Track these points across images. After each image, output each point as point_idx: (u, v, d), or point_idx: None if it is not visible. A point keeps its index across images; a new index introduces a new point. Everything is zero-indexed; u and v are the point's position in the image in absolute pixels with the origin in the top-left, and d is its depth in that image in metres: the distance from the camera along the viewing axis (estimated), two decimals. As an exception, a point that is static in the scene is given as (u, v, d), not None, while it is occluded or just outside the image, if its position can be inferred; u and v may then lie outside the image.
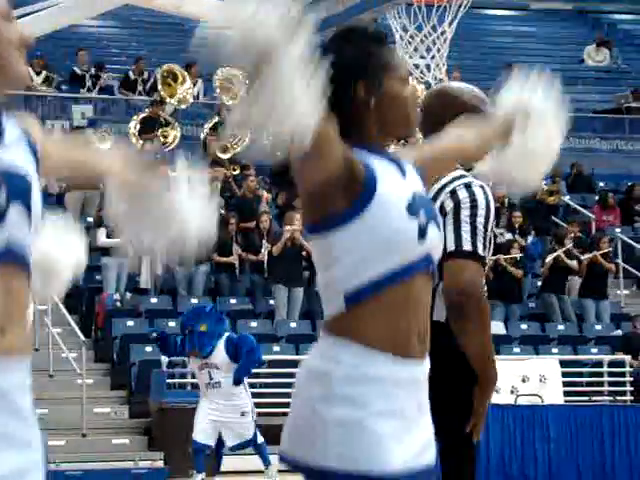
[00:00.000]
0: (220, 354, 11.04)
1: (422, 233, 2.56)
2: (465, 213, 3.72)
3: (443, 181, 3.81)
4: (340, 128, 2.45)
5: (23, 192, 2.15)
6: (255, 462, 11.95)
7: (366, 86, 2.54)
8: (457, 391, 3.73)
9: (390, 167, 2.60)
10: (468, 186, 3.72)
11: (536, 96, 2.97)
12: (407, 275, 2.57)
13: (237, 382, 10.93)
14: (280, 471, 11.14)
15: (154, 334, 11.98)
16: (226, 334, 11.17)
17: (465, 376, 3.75)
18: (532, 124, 2.98)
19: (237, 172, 16.68)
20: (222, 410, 11.31)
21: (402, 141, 2.95)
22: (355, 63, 2.55)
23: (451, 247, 3.68)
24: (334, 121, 2.42)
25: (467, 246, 3.67)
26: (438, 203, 3.79)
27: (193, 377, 13.08)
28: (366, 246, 2.55)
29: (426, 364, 2.64)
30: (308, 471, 2.63)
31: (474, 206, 3.71)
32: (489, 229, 3.73)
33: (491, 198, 3.79)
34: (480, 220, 3.70)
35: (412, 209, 2.57)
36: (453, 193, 3.71)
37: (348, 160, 2.46)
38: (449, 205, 3.72)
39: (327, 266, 2.60)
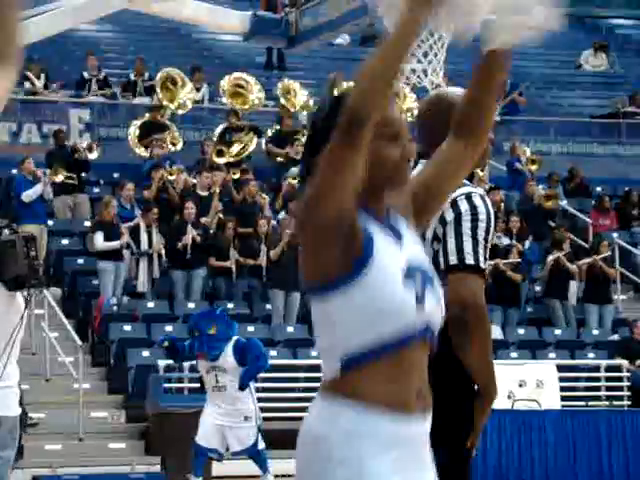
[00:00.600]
0: (228, 358, 10.94)
1: (420, 300, 2.55)
2: (467, 225, 3.71)
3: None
4: None
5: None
6: (250, 467, 11.78)
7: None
8: (455, 401, 3.73)
9: (386, 234, 2.59)
10: (469, 197, 3.71)
11: None
12: (404, 344, 2.56)
13: (242, 387, 10.84)
14: (276, 476, 11.35)
15: (165, 342, 11.92)
16: (235, 338, 11.06)
17: (463, 386, 3.78)
18: None
19: (237, 176, 16.80)
20: (226, 414, 11.23)
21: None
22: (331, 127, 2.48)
23: (453, 261, 3.70)
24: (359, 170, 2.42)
25: (469, 260, 3.68)
26: (438, 213, 3.75)
27: (190, 382, 13.57)
28: (363, 314, 2.55)
29: (428, 420, 2.65)
30: None
31: (475, 219, 3.71)
32: (489, 240, 3.74)
33: (491, 208, 3.78)
34: (481, 232, 3.70)
35: (408, 277, 2.57)
36: (454, 204, 3.69)
37: (353, 219, 2.46)
38: (450, 216, 3.72)
39: (325, 330, 2.61)
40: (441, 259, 3.75)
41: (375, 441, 2.59)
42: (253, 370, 11.22)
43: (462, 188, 3.70)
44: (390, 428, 2.57)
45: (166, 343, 11.81)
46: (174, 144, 17.66)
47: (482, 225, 3.74)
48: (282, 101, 17.30)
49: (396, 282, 2.53)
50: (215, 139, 17.45)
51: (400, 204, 2.68)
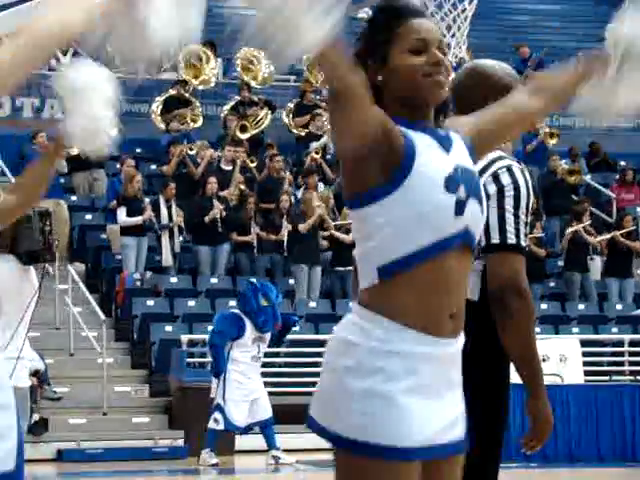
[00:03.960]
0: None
1: (460, 209, 2.57)
2: (509, 202, 3.68)
3: (481, 163, 3.68)
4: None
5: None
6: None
7: (372, 66, 2.59)
8: (485, 373, 3.67)
9: (431, 141, 2.60)
10: (510, 170, 3.70)
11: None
12: (441, 251, 2.58)
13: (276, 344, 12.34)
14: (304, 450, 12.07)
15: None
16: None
17: (495, 358, 3.71)
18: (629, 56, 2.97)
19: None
20: (257, 386, 11.72)
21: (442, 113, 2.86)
22: (364, 46, 2.62)
23: (495, 239, 3.66)
24: (364, 77, 2.50)
25: (511, 239, 3.65)
26: (483, 183, 3.62)
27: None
28: (400, 221, 2.57)
29: (459, 341, 2.66)
30: (333, 439, 2.65)
31: (517, 194, 3.69)
32: (529, 216, 3.73)
33: (530, 182, 3.76)
34: (522, 210, 3.69)
35: (451, 184, 2.58)
36: (496, 177, 3.67)
37: (387, 127, 2.48)
38: (492, 189, 3.67)
39: (363, 239, 2.63)
40: (489, 235, 3.73)
41: (404, 359, 2.62)
42: (277, 340, 11.99)
43: (502, 160, 3.69)
44: (419, 349, 2.60)
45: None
46: (194, 120, 17.75)
47: (523, 203, 3.72)
48: (306, 74, 17.35)
49: (436, 187, 2.57)
50: (226, 113, 17.65)
51: (456, 126, 2.75)
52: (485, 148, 2.93)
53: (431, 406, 2.65)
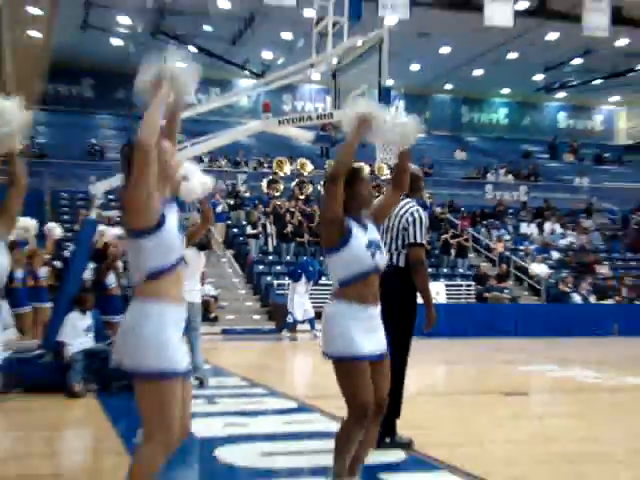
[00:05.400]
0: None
1: (373, 257, 3.99)
2: (418, 224, 5.53)
3: (404, 205, 5.61)
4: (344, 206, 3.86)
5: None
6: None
7: (346, 186, 4.01)
8: (402, 306, 5.49)
9: (359, 226, 4.01)
10: (417, 209, 5.49)
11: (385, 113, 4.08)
12: (366, 275, 4.00)
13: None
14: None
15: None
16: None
17: (408, 299, 5.56)
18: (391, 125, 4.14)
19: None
20: (307, 299, 16.76)
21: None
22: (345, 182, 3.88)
23: (411, 240, 5.51)
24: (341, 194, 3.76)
25: (419, 240, 5.55)
26: (403, 216, 5.65)
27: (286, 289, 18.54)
28: (347, 261, 4.00)
29: (377, 307, 4.10)
30: (326, 354, 4.13)
31: (421, 221, 5.53)
32: (424, 230, 5.32)
33: (425, 215, 5.46)
34: (424, 226, 5.42)
35: (368, 246, 4.05)
36: (411, 213, 5.55)
37: (342, 217, 3.89)
38: (411, 218, 5.54)
39: (331, 270, 4.07)
40: (408, 237, 5.47)
41: (352, 318, 4.05)
42: (316, 282, 17.19)
43: (413, 205, 5.46)
44: (363, 312, 4.08)
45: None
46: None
47: (424, 224, 5.46)
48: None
49: (362, 247, 3.98)
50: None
51: (368, 214, 4.12)
52: (378, 221, 4.30)
53: (369, 335, 4.04)
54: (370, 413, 4.16)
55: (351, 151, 4.09)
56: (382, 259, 4.22)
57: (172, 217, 3.59)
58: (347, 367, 4.08)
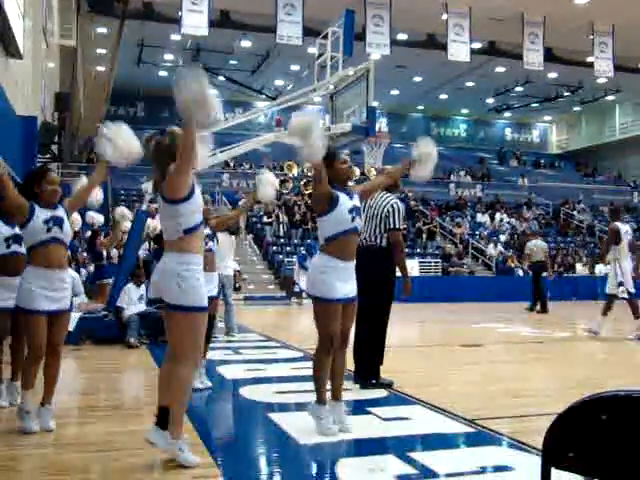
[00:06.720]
0: None
1: (353, 219, 3.90)
2: (397, 213, 5.25)
3: (383, 196, 5.32)
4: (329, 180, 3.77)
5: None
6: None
7: (329, 167, 3.87)
8: (384, 277, 5.28)
9: (345, 195, 3.89)
10: (396, 201, 5.24)
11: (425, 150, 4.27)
12: (347, 233, 3.90)
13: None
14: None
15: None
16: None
17: (389, 272, 5.30)
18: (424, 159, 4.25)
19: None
20: None
21: (351, 183, 4.03)
22: (327, 159, 3.78)
23: (391, 226, 5.25)
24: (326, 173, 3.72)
25: (398, 225, 5.30)
26: (385, 207, 5.33)
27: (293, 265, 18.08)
28: (332, 222, 3.90)
29: (353, 262, 3.95)
30: (311, 296, 4.01)
31: (399, 210, 5.26)
32: (402, 218, 5.06)
33: (402, 206, 5.15)
34: (402, 215, 5.16)
35: (351, 212, 3.92)
36: (391, 204, 5.27)
37: (330, 190, 3.79)
38: (391, 209, 5.27)
39: (321, 227, 3.97)
40: (389, 224, 5.22)
41: (334, 270, 3.95)
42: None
43: (392, 197, 5.19)
44: (340, 264, 3.95)
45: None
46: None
47: (402, 213, 5.20)
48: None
49: (345, 212, 3.89)
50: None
51: (357, 190, 4.05)
52: (363, 197, 4.12)
53: (343, 284, 3.94)
54: (336, 344, 4.08)
55: (320, 169, 4.03)
56: (360, 223, 4.13)
57: (198, 188, 3.63)
58: (323, 305, 4.00)
